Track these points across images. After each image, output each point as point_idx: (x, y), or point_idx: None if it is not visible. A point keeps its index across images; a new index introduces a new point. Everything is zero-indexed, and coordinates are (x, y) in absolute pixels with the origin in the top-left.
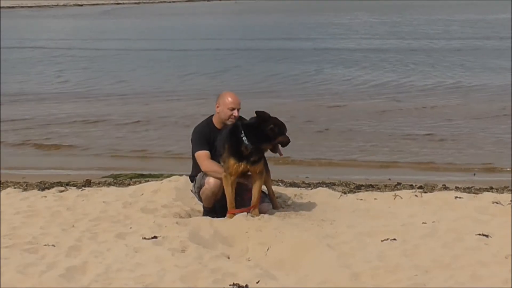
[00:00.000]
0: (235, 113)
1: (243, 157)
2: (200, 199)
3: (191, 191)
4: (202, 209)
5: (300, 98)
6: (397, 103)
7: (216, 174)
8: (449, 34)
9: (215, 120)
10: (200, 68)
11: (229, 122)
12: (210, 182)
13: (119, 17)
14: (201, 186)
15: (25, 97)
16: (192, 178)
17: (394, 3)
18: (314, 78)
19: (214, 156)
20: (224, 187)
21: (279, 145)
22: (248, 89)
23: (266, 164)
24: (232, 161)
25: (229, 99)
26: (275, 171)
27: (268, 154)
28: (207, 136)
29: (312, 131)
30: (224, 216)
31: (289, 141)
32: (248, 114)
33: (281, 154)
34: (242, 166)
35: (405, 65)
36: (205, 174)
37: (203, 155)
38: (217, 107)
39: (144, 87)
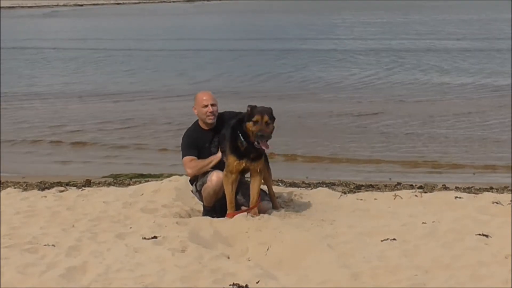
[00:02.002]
0: (210, 108)
1: (243, 155)
2: (201, 198)
3: (192, 191)
4: (202, 209)
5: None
6: None
7: (203, 169)
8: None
9: (200, 123)
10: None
11: (208, 120)
12: (213, 179)
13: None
14: (203, 184)
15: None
16: (192, 180)
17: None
18: None
19: (207, 157)
20: (224, 186)
21: (261, 137)
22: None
23: (267, 163)
24: (231, 159)
25: (201, 97)
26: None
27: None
28: (195, 140)
29: None
30: (224, 216)
31: (265, 131)
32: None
33: (265, 147)
34: (243, 164)
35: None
36: (208, 172)
37: (187, 160)
38: (194, 109)
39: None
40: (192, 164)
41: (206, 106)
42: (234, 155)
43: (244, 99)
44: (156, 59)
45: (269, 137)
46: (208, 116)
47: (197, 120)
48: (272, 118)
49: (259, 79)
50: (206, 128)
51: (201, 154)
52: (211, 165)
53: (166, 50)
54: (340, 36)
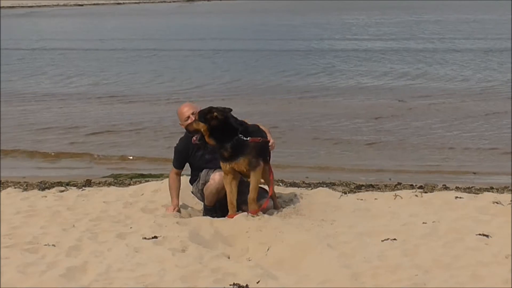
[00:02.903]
0: (192, 118)
1: (223, 156)
2: (201, 198)
3: (192, 192)
4: (202, 209)
5: None
6: None
7: (169, 188)
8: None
9: None
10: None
11: (192, 131)
12: (216, 178)
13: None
14: (205, 183)
15: None
16: (193, 180)
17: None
18: None
19: (202, 164)
20: (225, 187)
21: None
22: None
23: (265, 163)
24: (220, 161)
25: (181, 111)
26: None
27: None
28: (185, 153)
29: None
30: (224, 215)
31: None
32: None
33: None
34: (227, 165)
35: None
36: (210, 171)
37: (171, 173)
38: (181, 125)
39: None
40: (170, 181)
41: (188, 118)
42: (220, 157)
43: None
44: (184, 59)
45: (193, 133)
46: (191, 128)
47: None
48: (201, 117)
49: (291, 77)
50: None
51: (195, 162)
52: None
53: (193, 50)
54: (367, 35)
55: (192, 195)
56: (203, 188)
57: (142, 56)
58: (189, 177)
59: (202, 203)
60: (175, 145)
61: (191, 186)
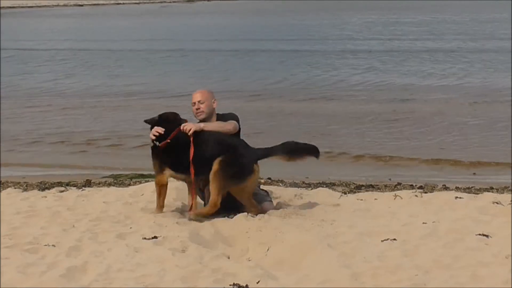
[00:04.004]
0: (196, 105)
1: None
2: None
3: None
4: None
5: None
6: None
7: None
8: None
9: None
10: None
11: (198, 117)
12: None
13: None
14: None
15: None
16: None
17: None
18: None
19: None
20: None
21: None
22: None
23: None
24: None
25: (192, 97)
26: None
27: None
28: None
29: None
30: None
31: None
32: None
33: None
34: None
35: None
36: None
37: None
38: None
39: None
40: None
41: (194, 104)
42: None
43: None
44: (217, 59)
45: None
46: (196, 113)
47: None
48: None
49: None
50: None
51: None
52: None
53: (223, 51)
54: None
55: None
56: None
57: (190, 57)
58: None
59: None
60: None
61: None
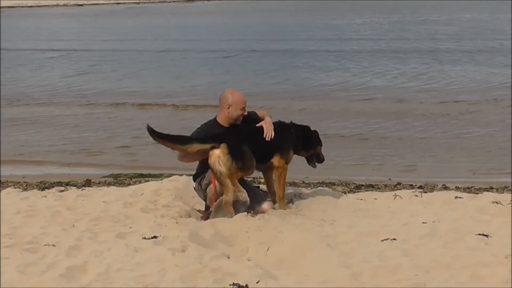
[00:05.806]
0: (245, 112)
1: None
2: (204, 197)
3: (194, 188)
4: (202, 209)
5: None
6: None
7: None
8: None
9: (221, 120)
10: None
11: (239, 121)
12: None
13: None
14: (209, 183)
15: None
16: (197, 176)
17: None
18: None
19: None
20: (283, 178)
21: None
22: None
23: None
24: (292, 153)
25: (241, 99)
26: None
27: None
28: (209, 134)
29: None
30: (225, 215)
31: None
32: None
33: None
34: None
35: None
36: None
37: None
38: (228, 107)
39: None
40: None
41: (244, 108)
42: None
43: None
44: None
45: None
46: (242, 117)
47: (215, 117)
48: None
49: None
50: (226, 125)
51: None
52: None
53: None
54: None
55: (194, 191)
56: (206, 188)
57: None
58: (190, 176)
59: (204, 202)
60: (196, 130)
61: (193, 182)
